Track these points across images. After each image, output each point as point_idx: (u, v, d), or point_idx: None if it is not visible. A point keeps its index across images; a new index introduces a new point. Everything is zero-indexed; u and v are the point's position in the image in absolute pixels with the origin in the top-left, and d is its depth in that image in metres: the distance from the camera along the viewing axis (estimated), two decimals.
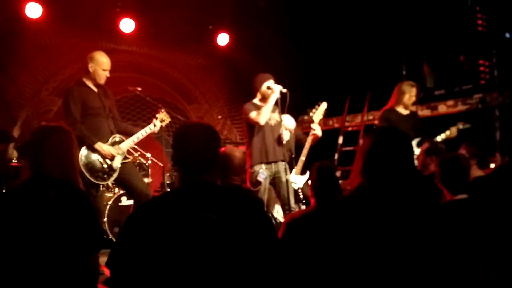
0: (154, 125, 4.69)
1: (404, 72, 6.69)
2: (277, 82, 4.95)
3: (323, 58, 7.42)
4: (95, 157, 4.35)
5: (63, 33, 7.37)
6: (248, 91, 8.90)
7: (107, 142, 4.42)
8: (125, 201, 5.93)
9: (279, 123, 4.78)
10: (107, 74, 4.49)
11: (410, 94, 5.05)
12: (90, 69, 4.43)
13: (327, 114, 5.39)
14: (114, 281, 1.81)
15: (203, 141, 1.91)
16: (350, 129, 7.33)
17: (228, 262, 1.73)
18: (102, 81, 4.48)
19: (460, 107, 6.33)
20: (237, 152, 3.32)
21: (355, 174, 2.13)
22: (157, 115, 4.79)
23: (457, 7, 6.35)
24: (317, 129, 4.93)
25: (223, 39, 8.28)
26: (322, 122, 5.07)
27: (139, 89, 5.77)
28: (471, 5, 6.26)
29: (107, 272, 1.92)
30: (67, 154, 2.43)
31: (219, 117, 8.81)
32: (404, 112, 5.09)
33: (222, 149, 3.32)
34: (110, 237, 5.74)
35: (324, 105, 5.06)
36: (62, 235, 2.24)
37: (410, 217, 1.97)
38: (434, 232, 1.97)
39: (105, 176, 4.39)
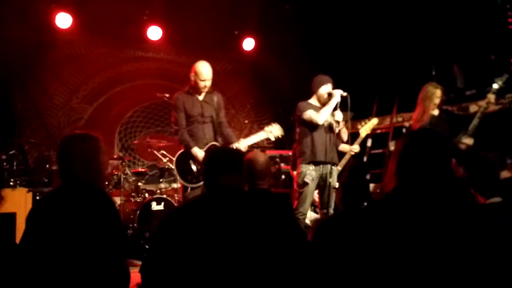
0: (259, 137, 4.85)
1: (433, 73, 6.57)
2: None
3: (351, 60, 7.36)
4: (189, 160, 4.67)
5: (92, 42, 7.53)
6: (274, 95, 8.97)
7: (203, 147, 4.68)
8: (155, 206, 5.99)
9: (331, 126, 4.74)
10: (206, 83, 4.73)
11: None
12: (192, 78, 4.76)
13: (355, 117, 5.35)
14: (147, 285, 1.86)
15: (231, 156, 2.11)
16: (379, 131, 7.23)
17: (253, 256, 1.80)
18: (202, 89, 4.76)
19: (492, 107, 6.18)
20: (261, 156, 3.28)
21: (389, 177, 2.09)
22: (265, 128, 4.89)
23: (486, 5, 6.22)
24: (357, 149, 5.07)
25: (248, 44, 8.30)
26: (350, 125, 5.03)
27: (167, 95, 5.84)
28: (501, 3, 6.13)
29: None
30: (92, 160, 2.47)
31: (246, 121, 8.83)
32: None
33: (248, 154, 3.32)
34: (141, 242, 5.79)
35: (374, 121, 5.17)
36: (86, 241, 2.28)
37: (444, 220, 1.92)
38: (468, 237, 1.92)
39: (194, 179, 4.64)
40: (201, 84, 4.71)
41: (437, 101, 4.95)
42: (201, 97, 4.80)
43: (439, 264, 1.85)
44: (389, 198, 2.05)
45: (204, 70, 4.70)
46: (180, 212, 1.98)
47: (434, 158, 2.00)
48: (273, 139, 4.90)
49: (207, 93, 4.81)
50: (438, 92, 4.96)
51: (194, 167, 4.67)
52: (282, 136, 4.90)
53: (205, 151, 4.60)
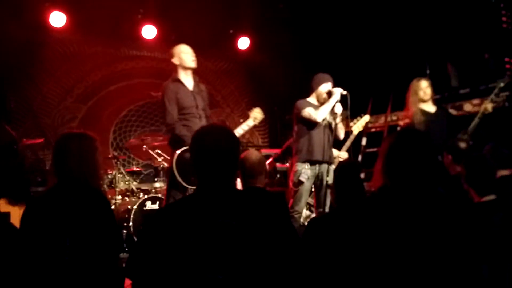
0: (248, 125, 4.66)
1: (427, 72, 6.60)
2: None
3: (345, 60, 7.37)
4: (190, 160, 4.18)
5: (86, 41, 7.50)
6: (269, 94, 8.96)
7: None
8: (149, 205, 5.97)
9: (330, 125, 4.73)
10: (193, 55, 4.41)
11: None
12: (177, 62, 4.40)
13: (350, 116, 5.37)
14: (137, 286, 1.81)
15: (220, 143, 1.87)
16: (373, 130, 7.26)
17: (249, 268, 1.71)
18: (192, 63, 4.40)
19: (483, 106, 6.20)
20: (253, 155, 3.27)
21: (376, 176, 2.11)
22: (249, 113, 4.74)
23: (480, 4, 6.24)
24: (345, 156, 5.08)
25: (243, 43, 8.29)
26: (345, 124, 5.04)
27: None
28: (495, 2, 6.15)
29: None
30: (88, 159, 2.48)
31: (241, 120, 8.76)
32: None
33: (242, 153, 3.32)
34: (135, 241, 5.78)
35: (366, 118, 5.17)
36: (81, 239, 2.28)
37: (431, 218, 1.93)
38: (459, 234, 1.93)
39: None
40: (189, 57, 4.38)
41: (421, 93, 4.89)
42: (191, 88, 4.42)
43: (425, 261, 1.86)
44: (376, 197, 2.07)
45: (184, 46, 4.41)
46: (165, 214, 1.86)
47: (419, 156, 2.02)
48: (257, 123, 4.76)
49: (194, 82, 4.46)
50: (421, 84, 4.92)
51: None
52: (263, 118, 4.79)
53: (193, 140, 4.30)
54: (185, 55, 4.39)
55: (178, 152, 4.20)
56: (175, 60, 4.42)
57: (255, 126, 8.85)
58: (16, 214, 4.99)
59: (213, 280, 1.68)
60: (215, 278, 1.68)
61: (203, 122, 4.40)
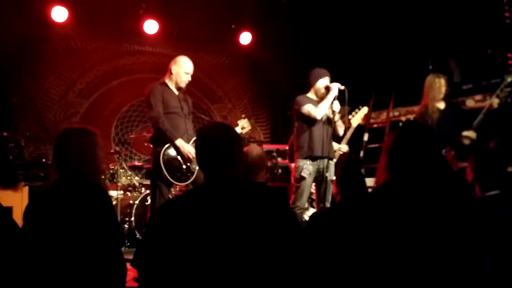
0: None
1: (430, 67, 6.58)
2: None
3: (347, 55, 7.35)
4: (176, 156, 4.28)
5: (88, 36, 7.51)
6: (271, 89, 8.96)
7: (186, 141, 4.31)
8: None
9: (328, 119, 4.71)
10: (189, 78, 4.49)
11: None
12: (173, 71, 4.46)
13: (352, 111, 5.36)
14: (142, 278, 1.84)
15: (220, 138, 1.99)
16: (375, 125, 7.24)
17: (253, 255, 1.76)
18: (183, 84, 4.48)
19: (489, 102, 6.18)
20: (254, 150, 3.26)
21: (380, 171, 2.10)
22: (238, 122, 4.86)
23: None
24: (345, 149, 5.10)
25: (245, 38, 8.28)
26: (347, 120, 5.03)
27: None
28: None
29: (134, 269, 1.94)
30: (89, 154, 2.48)
31: (243, 116, 8.80)
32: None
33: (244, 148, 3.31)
34: (137, 236, 5.80)
35: (364, 110, 5.18)
36: (82, 234, 2.29)
37: (436, 212, 1.92)
38: (462, 229, 1.93)
39: (183, 177, 4.30)
40: (184, 78, 4.45)
41: (443, 90, 4.88)
42: (176, 93, 4.49)
43: (429, 256, 1.85)
44: (380, 192, 2.07)
45: (189, 64, 4.48)
46: (172, 205, 1.93)
47: (423, 151, 2.01)
48: (243, 132, 4.86)
49: (180, 92, 4.53)
50: (443, 81, 4.92)
51: (182, 163, 4.28)
52: (250, 130, 4.90)
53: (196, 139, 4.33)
54: (185, 76, 4.46)
55: (164, 148, 4.26)
56: (173, 69, 4.46)
57: (257, 122, 8.99)
58: (18, 208, 5.01)
59: (219, 266, 1.74)
60: (221, 263, 1.74)
61: (189, 123, 4.50)
